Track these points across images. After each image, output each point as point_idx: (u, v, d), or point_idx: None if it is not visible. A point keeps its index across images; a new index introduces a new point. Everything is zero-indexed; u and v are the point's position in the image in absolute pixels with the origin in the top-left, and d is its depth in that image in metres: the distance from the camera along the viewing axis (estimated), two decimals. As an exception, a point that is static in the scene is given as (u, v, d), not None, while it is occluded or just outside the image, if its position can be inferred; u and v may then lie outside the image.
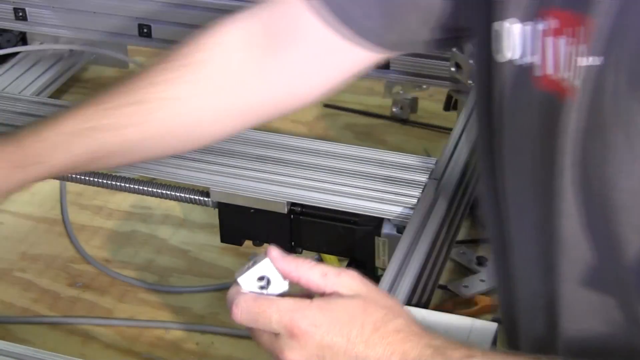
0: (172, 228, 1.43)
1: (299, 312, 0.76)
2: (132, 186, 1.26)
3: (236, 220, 1.21)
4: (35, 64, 1.63)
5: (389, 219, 1.12)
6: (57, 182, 1.49)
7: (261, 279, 0.79)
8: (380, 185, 1.14)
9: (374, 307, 0.76)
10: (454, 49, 1.40)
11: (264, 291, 0.79)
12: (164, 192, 1.25)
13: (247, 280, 0.79)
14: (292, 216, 1.17)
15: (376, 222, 1.13)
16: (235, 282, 0.79)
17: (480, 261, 1.33)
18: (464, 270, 1.33)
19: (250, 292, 0.78)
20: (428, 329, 0.77)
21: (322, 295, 0.77)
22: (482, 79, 0.84)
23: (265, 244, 1.25)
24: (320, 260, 1.28)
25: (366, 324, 0.75)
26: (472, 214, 1.41)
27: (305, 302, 0.76)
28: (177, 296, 1.32)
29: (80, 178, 1.28)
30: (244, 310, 0.77)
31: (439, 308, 1.21)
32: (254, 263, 0.79)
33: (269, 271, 0.79)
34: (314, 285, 0.78)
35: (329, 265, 0.79)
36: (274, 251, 0.79)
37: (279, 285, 0.79)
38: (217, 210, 1.22)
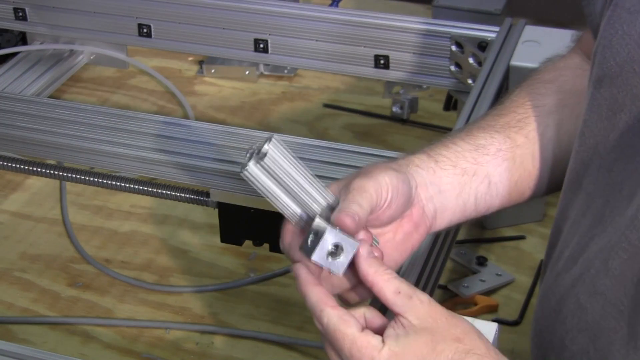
0: (172, 228, 1.43)
1: (370, 356, 0.75)
2: (132, 186, 1.26)
3: (236, 220, 1.21)
4: (35, 64, 1.63)
5: (389, 219, 1.12)
6: (57, 182, 1.49)
7: (334, 247, 0.79)
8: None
9: (443, 344, 0.75)
10: (454, 48, 1.40)
11: (336, 259, 0.78)
12: (164, 192, 1.25)
13: (320, 256, 0.78)
14: (292, 216, 1.16)
15: (376, 222, 1.13)
16: (308, 260, 0.79)
17: (480, 261, 1.33)
18: (464, 270, 1.33)
19: (318, 263, 0.78)
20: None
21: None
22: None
23: (264, 244, 1.25)
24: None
25: None
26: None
27: (378, 347, 0.75)
28: (177, 296, 1.32)
29: (80, 178, 1.28)
30: (324, 328, 0.77)
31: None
32: (317, 234, 0.78)
33: (339, 239, 0.78)
34: (384, 299, 0.77)
35: (405, 282, 0.78)
36: (365, 249, 0.79)
37: (350, 251, 0.78)
38: (217, 210, 1.22)
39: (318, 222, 0.80)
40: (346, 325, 0.76)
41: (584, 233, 0.82)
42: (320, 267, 0.80)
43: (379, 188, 0.82)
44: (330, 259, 0.79)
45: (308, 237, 0.80)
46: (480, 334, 0.77)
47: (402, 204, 0.85)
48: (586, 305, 0.80)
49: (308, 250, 0.79)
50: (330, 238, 0.78)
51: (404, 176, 0.86)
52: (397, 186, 0.84)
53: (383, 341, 0.75)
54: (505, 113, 0.96)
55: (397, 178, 0.84)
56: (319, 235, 0.79)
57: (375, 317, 0.78)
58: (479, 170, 0.92)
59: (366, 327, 0.78)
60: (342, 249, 0.79)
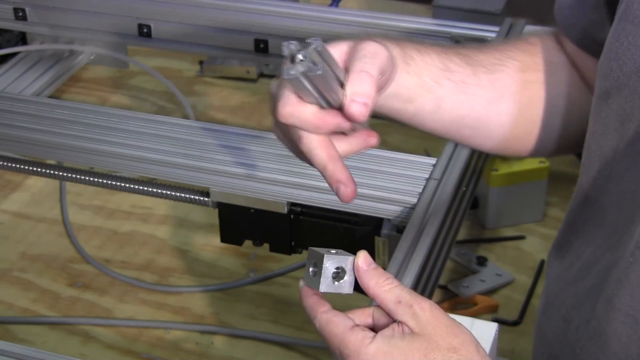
0: (172, 228, 1.43)
1: (357, 352, 0.75)
2: (132, 186, 1.26)
3: (236, 220, 1.21)
4: (35, 64, 1.63)
5: (389, 219, 1.12)
6: (57, 182, 1.49)
7: (337, 270, 0.79)
8: (380, 185, 1.14)
9: (437, 352, 0.75)
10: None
11: (340, 282, 0.79)
12: (164, 192, 1.25)
13: (327, 285, 0.79)
14: (292, 216, 1.17)
15: (376, 222, 1.13)
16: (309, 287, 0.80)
17: (480, 261, 1.33)
18: (464, 270, 1.33)
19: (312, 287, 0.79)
20: None
21: (392, 322, 0.77)
22: None
23: (264, 244, 1.25)
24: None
25: None
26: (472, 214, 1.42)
27: (366, 342, 0.75)
28: (177, 296, 1.32)
29: (80, 178, 1.28)
30: (319, 332, 0.78)
31: (439, 308, 1.21)
32: (316, 264, 0.79)
33: (337, 262, 0.79)
34: (386, 309, 0.78)
35: (406, 291, 0.78)
36: (363, 261, 0.79)
37: (350, 268, 0.79)
38: (217, 210, 1.22)
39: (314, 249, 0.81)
40: (334, 325, 0.77)
41: (600, 244, 0.82)
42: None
43: (388, 56, 0.81)
44: (336, 282, 0.80)
45: (308, 269, 0.80)
46: (479, 347, 0.77)
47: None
48: (601, 315, 0.80)
49: (313, 282, 0.80)
50: (329, 265, 0.79)
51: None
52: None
53: (374, 337, 0.76)
54: (486, 52, 0.95)
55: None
56: (317, 265, 0.80)
57: (382, 316, 0.79)
58: (436, 90, 0.91)
59: (373, 324, 0.79)
60: (342, 269, 0.80)
